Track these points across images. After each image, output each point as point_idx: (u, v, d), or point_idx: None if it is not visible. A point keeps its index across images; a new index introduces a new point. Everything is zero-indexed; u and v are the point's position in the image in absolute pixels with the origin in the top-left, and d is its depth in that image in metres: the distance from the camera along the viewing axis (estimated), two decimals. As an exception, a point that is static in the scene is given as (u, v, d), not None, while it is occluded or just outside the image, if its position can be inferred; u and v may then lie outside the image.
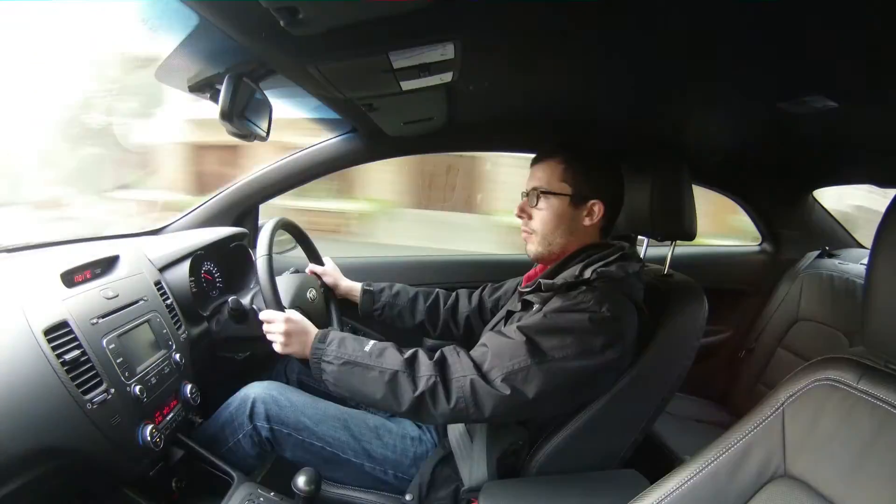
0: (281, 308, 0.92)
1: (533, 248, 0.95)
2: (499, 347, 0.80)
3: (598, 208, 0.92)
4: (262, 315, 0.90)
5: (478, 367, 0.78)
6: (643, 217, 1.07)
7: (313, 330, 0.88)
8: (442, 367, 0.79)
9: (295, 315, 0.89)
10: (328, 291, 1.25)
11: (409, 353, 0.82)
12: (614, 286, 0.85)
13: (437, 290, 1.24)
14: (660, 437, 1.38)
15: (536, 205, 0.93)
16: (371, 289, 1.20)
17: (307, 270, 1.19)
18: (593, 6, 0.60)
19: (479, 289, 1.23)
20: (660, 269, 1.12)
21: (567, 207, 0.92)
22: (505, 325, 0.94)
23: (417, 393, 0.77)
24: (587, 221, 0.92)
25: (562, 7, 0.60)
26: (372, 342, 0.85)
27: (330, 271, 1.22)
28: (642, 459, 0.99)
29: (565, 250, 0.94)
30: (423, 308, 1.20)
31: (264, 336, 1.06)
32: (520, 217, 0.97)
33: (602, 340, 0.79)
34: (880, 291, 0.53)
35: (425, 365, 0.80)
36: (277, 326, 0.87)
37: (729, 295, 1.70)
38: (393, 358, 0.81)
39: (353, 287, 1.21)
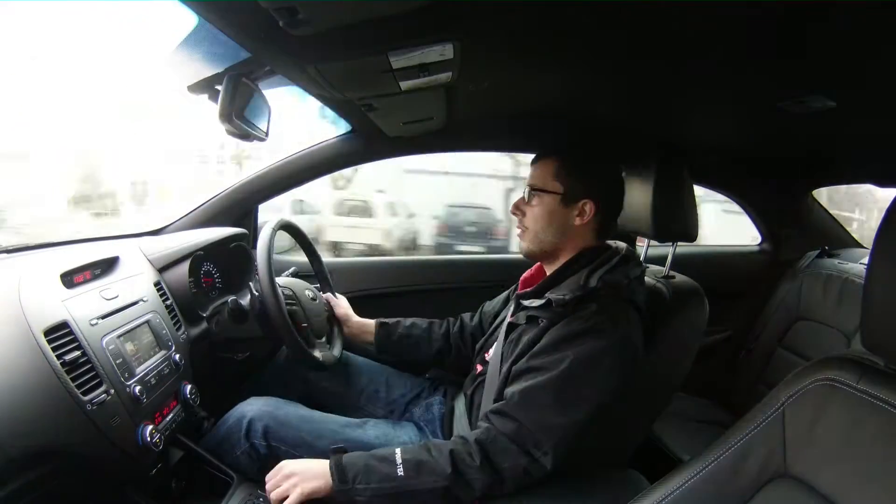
0: (285, 319, 0.93)
1: (525, 244, 0.96)
2: (534, 418, 0.79)
3: (589, 208, 0.91)
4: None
5: (522, 449, 0.78)
6: (644, 218, 1.07)
7: (317, 461, 0.80)
8: (490, 463, 0.78)
9: (285, 463, 0.81)
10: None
11: (446, 456, 0.78)
12: (620, 294, 0.86)
13: (446, 319, 1.25)
14: (660, 437, 1.38)
15: (530, 202, 0.94)
16: (387, 322, 1.21)
17: (323, 298, 1.17)
18: (593, 6, 0.60)
19: (480, 307, 1.24)
20: (661, 269, 1.12)
21: (558, 205, 0.92)
22: (506, 339, 0.94)
23: (479, 494, 0.77)
24: (578, 221, 0.92)
25: (561, 7, 0.60)
26: (398, 455, 0.78)
27: (344, 306, 1.23)
28: (642, 459, 0.99)
29: (558, 250, 0.94)
30: (440, 335, 1.21)
31: (263, 336, 1.05)
32: (514, 214, 0.97)
33: (621, 363, 0.82)
34: (880, 291, 0.53)
35: (472, 467, 0.77)
36: (277, 482, 0.79)
37: (729, 295, 1.70)
38: (433, 472, 0.77)
39: (366, 323, 1.21)
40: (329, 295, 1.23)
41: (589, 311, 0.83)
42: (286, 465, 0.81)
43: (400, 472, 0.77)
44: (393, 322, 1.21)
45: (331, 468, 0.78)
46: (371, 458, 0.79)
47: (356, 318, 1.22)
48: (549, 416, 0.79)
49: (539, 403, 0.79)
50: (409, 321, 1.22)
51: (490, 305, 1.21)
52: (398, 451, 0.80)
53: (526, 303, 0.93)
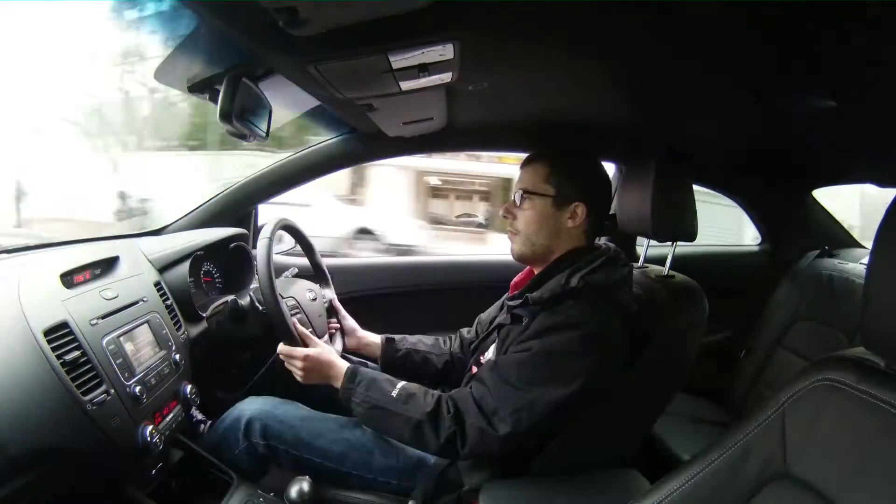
0: (278, 306, 0.92)
1: (516, 247, 0.96)
2: (497, 385, 0.83)
3: (581, 211, 0.92)
4: (281, 349, 0.93)
5: (483, 412, 0.83)
6: (644, 217, 1.07)
7: (340, 363, 0.92)
8: (458, 416, 0.84)
9: (314, 351, 0.92)
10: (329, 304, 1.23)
11: (432, 400, 0.86)
12: (600, 295, 0.86)
13: (448, 336, 1.23)
14: (660, 437, 1.38)
15: (521, 206, 0.94)
16: (393, 337, 1.17)
17: (321, 295, 1.16)
18: (593, 7, 0.60)
19: (476, 321, 1.21)
20: (661, 269, 1.12)
21: (550, 209, 0.92)
22: (498, 336, 0.95)
23: (441, 442, 0.83)
24: (570, 224, 0.92)
25: (561, 7, 0.60)
26: (400, 385, 0.89)
27: (350, 321, 1.19)
28: (642, 459, 0.99)
29: (549, 253, 0.94)
30: (447, 350, 1.18)
31: (264, 336, 1.05)
32: (505, 217, 0.97)
33: (590, 360, 0.82)
34: (880, 291, 0.53)
35: (446, 417, 0.84)
36: (296, 363, 0.92)
37: (729, 295, 1.70)
38: (417, 406, 0.85)
39: (371, 338, 1.17)
40: (336, 304, 1.19)
41: (566, 305, 0.85)
42: (307, 360, 0.91)
43: (394, 394, 0.87)
44: (399, 337, 1.17)
45: (347, 371, 0.90)
46: (379, 375, 0.91)
47: (361, 333, 1.18)
48: (510, 389, 0.82)
49: (505, 375, 0.84)
50: (414, 337, 1.19)
51: (485, 314, 1.19)
52: (402, 382, 0.90)
53: (510, 303, 0.94)
